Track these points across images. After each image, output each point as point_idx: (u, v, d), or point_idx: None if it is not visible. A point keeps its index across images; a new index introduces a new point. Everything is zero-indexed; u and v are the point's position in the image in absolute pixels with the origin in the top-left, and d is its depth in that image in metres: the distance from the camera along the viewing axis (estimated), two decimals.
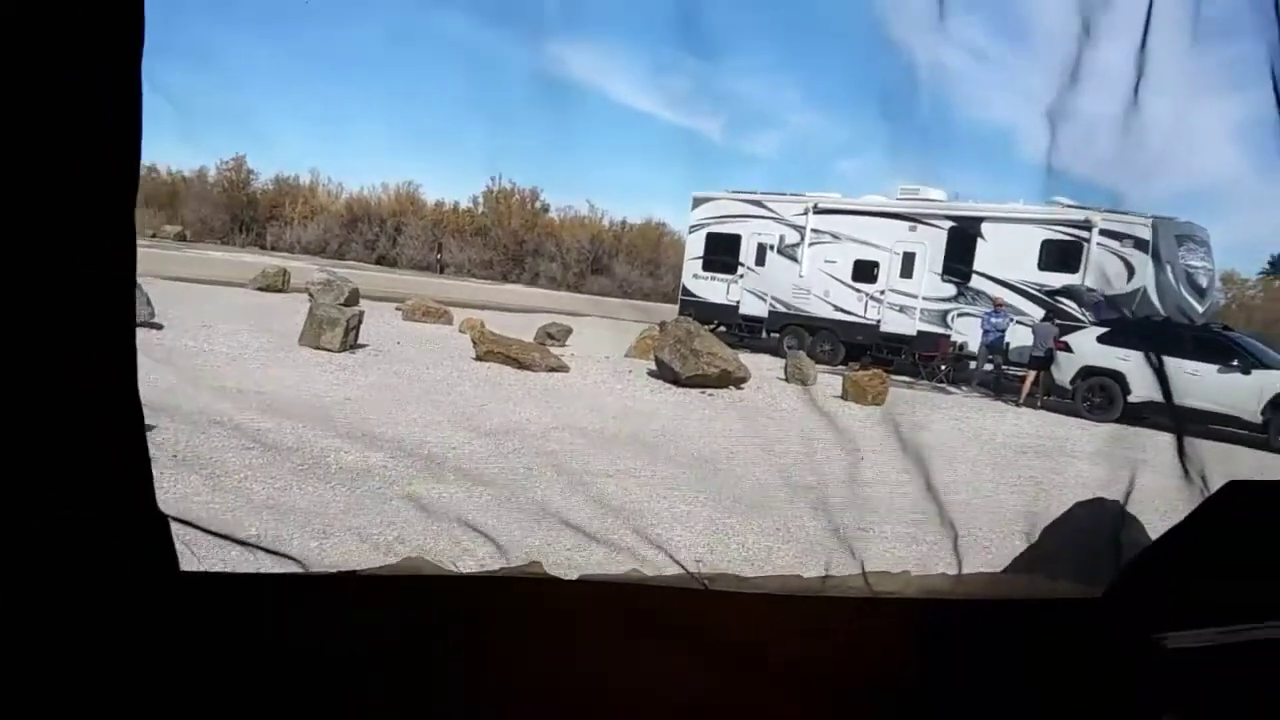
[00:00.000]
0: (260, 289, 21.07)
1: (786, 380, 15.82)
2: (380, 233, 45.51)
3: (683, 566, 1.56)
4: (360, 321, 13.34)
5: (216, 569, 1.28)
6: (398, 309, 19.10)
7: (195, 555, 1.27)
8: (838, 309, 21.27)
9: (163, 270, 21.60)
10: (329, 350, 12.40)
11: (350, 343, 12.85)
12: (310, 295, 17.40)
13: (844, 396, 14.28)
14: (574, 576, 1.42)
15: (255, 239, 44.23)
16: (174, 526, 1.15)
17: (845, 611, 1.53)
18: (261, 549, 1.61)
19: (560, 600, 1.36)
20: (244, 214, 45.40)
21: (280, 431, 7.55)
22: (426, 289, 25.69)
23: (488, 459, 7.51)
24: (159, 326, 12.40)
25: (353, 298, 18.20)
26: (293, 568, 1.50)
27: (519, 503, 6.20)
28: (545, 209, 49.58)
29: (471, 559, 3.61)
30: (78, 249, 1.01)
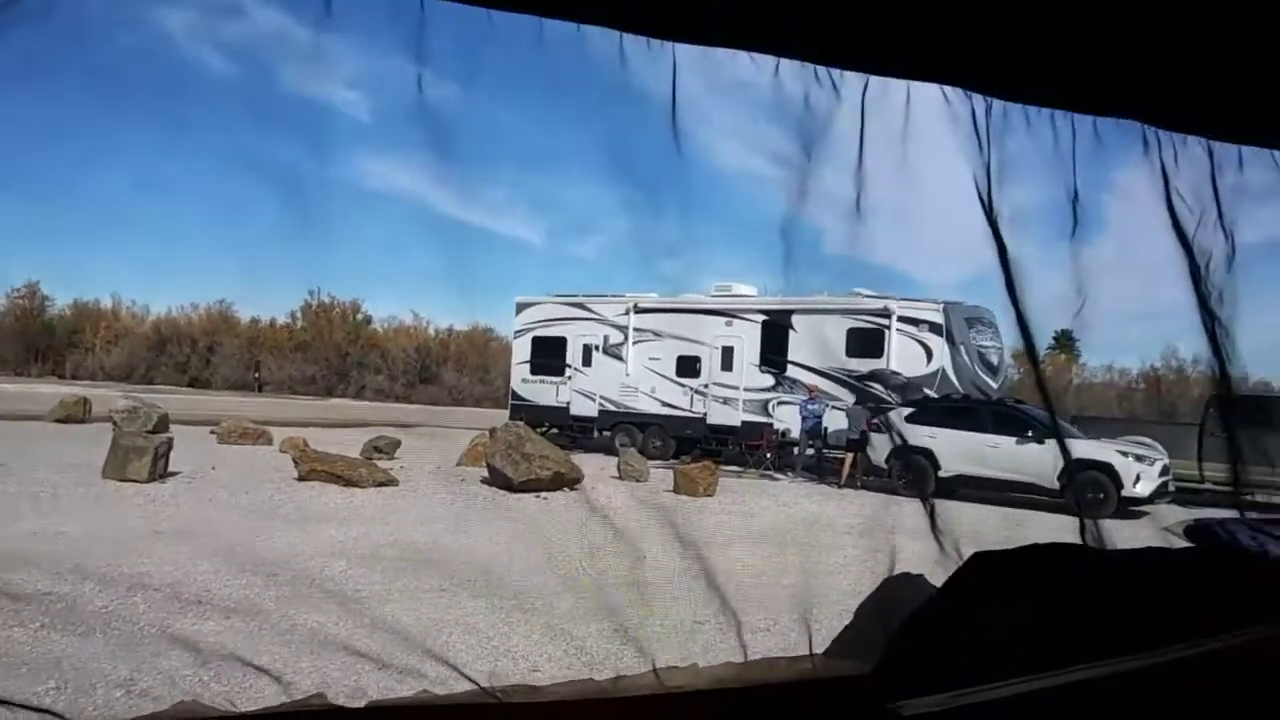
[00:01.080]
0: (59, 420, 19.73)
1: (620, 478, 15.99)
2: (192, 354, 43.52)
3: (474, 681, 1.58)
4: (170, 448, 12.69)
5: None
6: (212, 432, 18.26)
7: None
8: (665, 404, 21.78)
9: None
10: (136, 481, 11.71)
11: (160, 471, 12.18)
12: (114, 424, 16.39)
13: (676, 490, 14.56)
14: (361, 704, 1.42)
15: (53, 368, 41.37)
16: None
17: (639, 711, 1.61)
18: (14, 705, 1.51)
19: None
20: (39, 342, 42.47)
21: (73, 575, 7.06)
22: (244, 409, 24.66)
23: (263, 589, 7.20)
24: None
25: (162, 423, 17.24)
26: None
27: (299, 633, 5.97)
28: (368, 321, 48.82)
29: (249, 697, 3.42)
30: None
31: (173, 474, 12.48)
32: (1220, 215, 2.18)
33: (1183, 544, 2.21)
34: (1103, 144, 2.19)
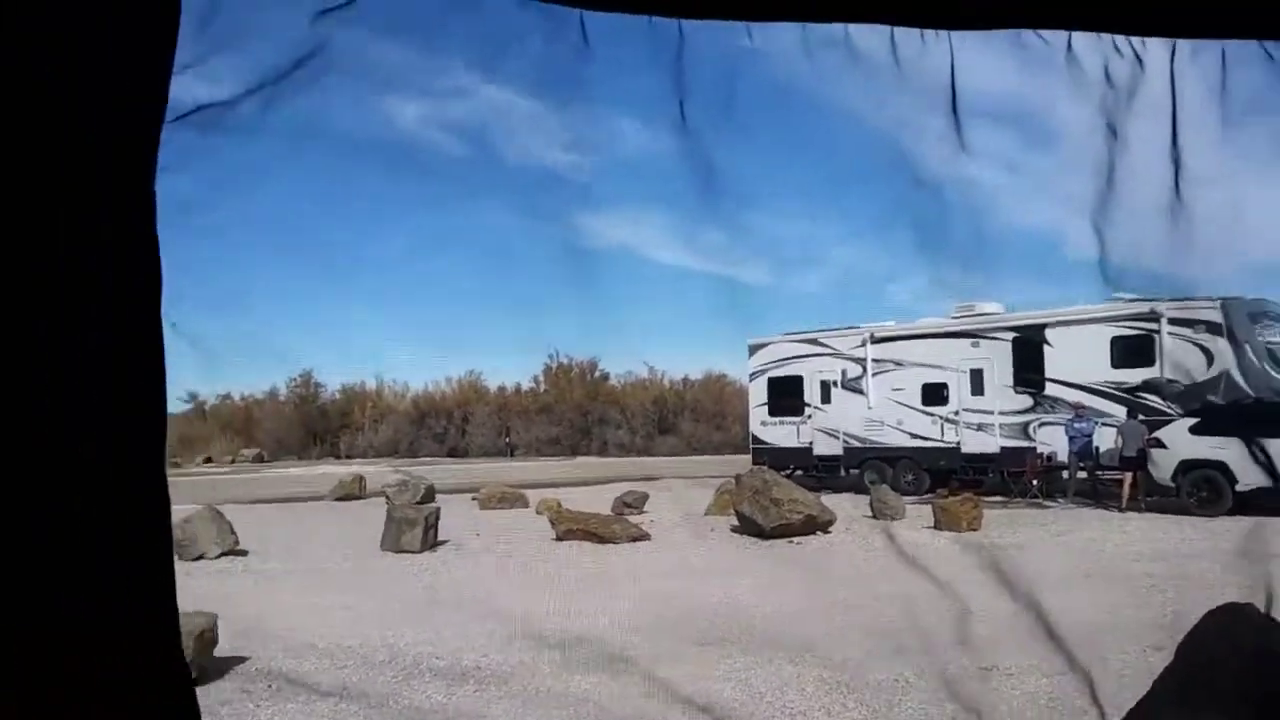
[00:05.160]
0: (339, 499, 21.35)
1: (875, 517, 15.35)
2: (449, 425, 46.26)
3: None
4: (438, 518, 13.34)
5: None
6: (473, 499, 19.14)
7: None
8: (914, 436, 20.83)
9: (244, 494, 22.08)
10: (410, 552, 12.36)
11: (431, 541, 12.81)
12: (388, 498, 17.55)
13: (937, 526, 13.77)
14: None
15: (330, 449, 45.22)
16: None
17: None
18: None
19: None
20: (316, 426, 46.61)
21: (367, 647, 7.42)
22: (498, 475, 25.85)
23: (536, 653, 7.25)
24: (244, 553, 12.53)
25: (429, 494, 18.31)
26: None
27: (571, 698, 5.92)
28: (605, 378, 50.22)
29: None
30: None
31: (442, 542, 13.09)
32: None
33: None
34: None
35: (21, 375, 0.93)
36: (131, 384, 1.03)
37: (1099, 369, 17.92)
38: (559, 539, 13.22)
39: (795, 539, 13.09)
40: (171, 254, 1.07)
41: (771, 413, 23.55)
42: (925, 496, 17.92)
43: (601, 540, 12.95)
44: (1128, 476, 16.23)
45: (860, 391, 21.70)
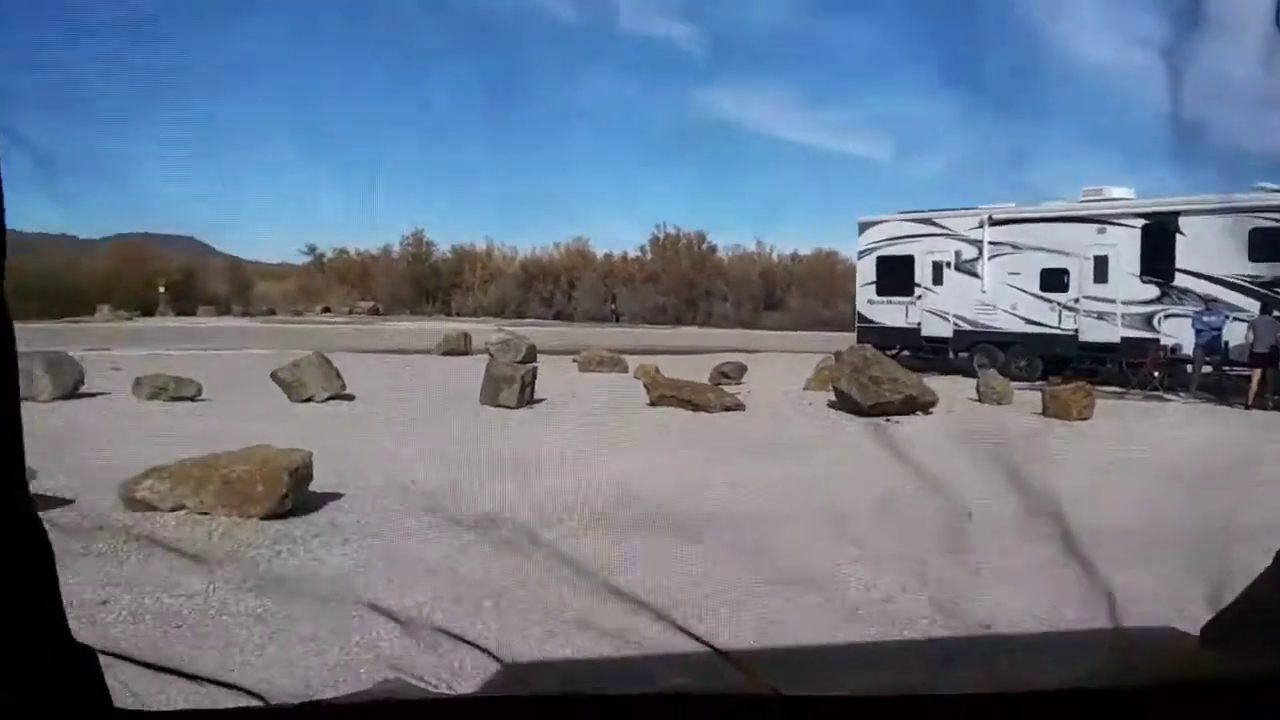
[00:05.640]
0: (445, 353, 21.94)
1: (980, 400, 14.94)
2: (555, 289, 46.76)
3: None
4: (534, 377, 13.53)
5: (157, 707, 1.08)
6: (574, 361, 19.38)
7: (133, 692, 1.07)
8: (1029, 322, 20.02)
9: (357, 344, 22.87)
10: (506, 407, 12.61)
11: (527, 398, 13.03)
12: (490, 355, 17.91)
13: (1045, 413, 13.32)
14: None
15: (441, 306, 46.35)
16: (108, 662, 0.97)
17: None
18: (212, 681, 1.41)
19: None
20: (428, 284, 47.70)
21: (455, 491, 7.62)
22: (602, 340, 26.10)
23: (616, 506, 7.29)
24: (350, 398, 12.99)
25: (530, 354, 18.61)
26: (249, 702, 1.30)
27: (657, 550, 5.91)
28: (713, 250, 49.76)
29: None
30: None
31: (538, 400, 13.31)
32: None
33: None
34: None
35: None
36: None
37: (1235, 261, 16.73)
38: (652, 404, 13.28)
39: (892, 418, 12.84)
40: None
41: (879, 292, 22.93)
42: (1037, 383, 17.32)
43: (696, 408, 12.95)
44: (1256, 374, 15.34)
45: (974, 274, 20.88)
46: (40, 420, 10.48)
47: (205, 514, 6.56)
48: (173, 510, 6.58)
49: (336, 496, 7.28)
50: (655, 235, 49.74)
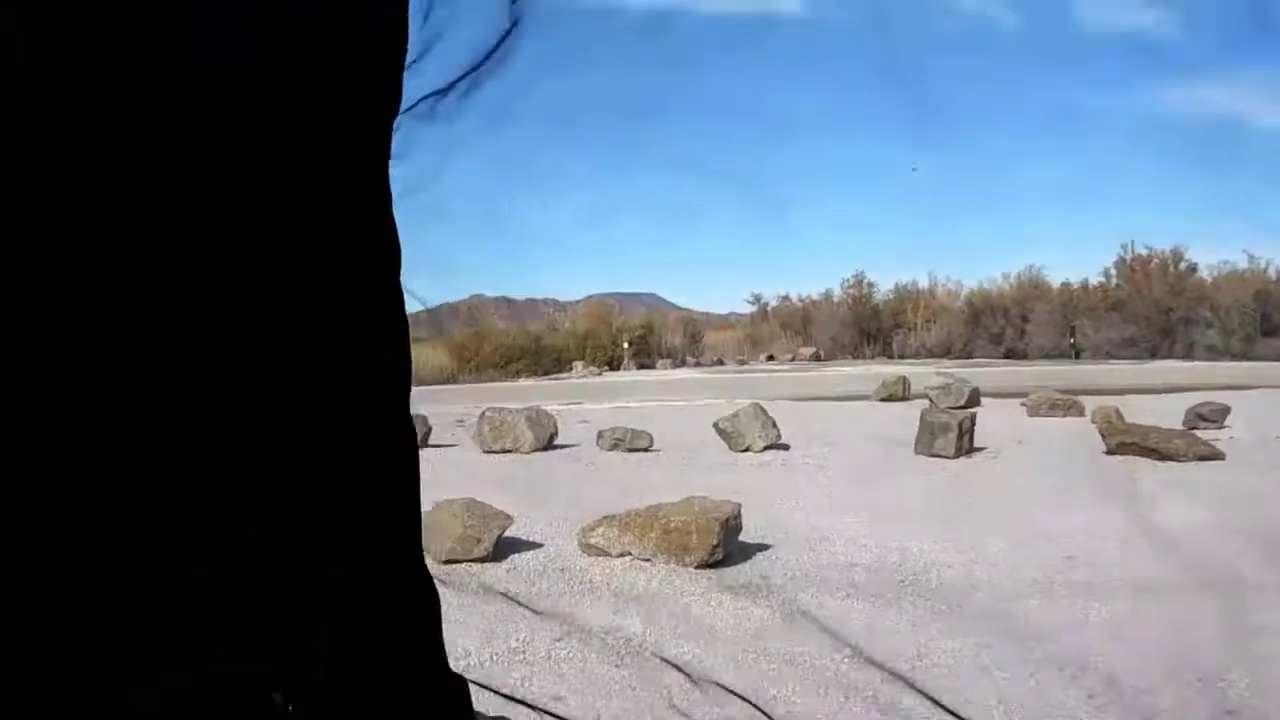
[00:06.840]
0: (883, 399, 21.73)
1: None
2: (1005, 324, 44.31)
3: None
4: (973, 424, 12.93)
5: None
6: (1021, 404, 18.22)
7: None
8: None
9: (797, 391, 23.56)
10: (943, 457, 12.21)
11: (965, 447, 12.50)
12: (930, 400, 17.48)
13: None
14: None
15: (882, 349, 46.02)
16: None
17: None
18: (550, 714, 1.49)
19: None
20: (869, 325, 47.62)
21: (882, 549, 7.54)
22: (1056, 379, 24.23)
23: (1053, 574, 6.63)
24: (785, 447, 13.40)
25: (972, 398, 17.88)
26: None
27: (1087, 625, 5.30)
28: (1192, 269, 44.23)
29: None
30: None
31: (978, 449, 12.72)
32: None
33: None
34: None
35: (275, 371, 1.03)
36: (377, 371, 1.11)
37: None
38: (1109, 452, 12.07)
39: None
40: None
41: None
42: None
43: (1161, 456, 11.54)
44: None
45: None
46: (525, 471, 12.17)
47: (647, 560, 7.17)
48: (619, 556, 7.28)
49: (766, 547, 7.57)
50: (1121, 256, 45.33)
